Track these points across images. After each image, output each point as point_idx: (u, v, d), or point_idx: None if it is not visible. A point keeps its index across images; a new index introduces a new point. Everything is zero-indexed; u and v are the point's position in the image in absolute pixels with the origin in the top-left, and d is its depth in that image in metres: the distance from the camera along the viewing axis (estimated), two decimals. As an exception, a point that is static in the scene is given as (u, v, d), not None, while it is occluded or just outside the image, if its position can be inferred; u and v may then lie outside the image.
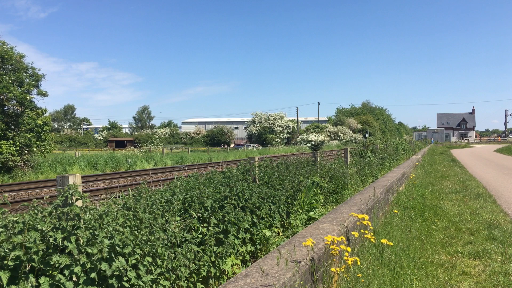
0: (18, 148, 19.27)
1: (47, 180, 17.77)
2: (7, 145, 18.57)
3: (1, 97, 18.88)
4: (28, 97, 19.58)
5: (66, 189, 2.90)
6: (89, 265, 2.66)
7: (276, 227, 5.82)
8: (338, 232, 4.79)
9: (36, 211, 2.73)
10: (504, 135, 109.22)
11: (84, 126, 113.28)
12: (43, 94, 20.78)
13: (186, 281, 3.60)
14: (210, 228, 4.14)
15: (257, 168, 6.38)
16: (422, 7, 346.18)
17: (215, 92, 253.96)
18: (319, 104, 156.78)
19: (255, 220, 5.04)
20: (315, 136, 57.80)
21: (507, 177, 16.08)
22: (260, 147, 63.24)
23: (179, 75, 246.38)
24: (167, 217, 3.77)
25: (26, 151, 20.28)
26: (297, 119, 79.23)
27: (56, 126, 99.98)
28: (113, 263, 2.78)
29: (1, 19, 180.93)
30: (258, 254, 5.10)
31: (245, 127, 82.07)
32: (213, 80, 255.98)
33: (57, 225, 2.70)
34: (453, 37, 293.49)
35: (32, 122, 20.18)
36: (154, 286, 3.07)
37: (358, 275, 3.95)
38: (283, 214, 6.05)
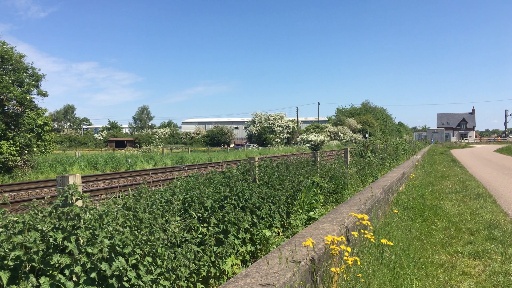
0: (18, 148, 19.26)
1: (47, 180, 17.77)
2: (7, 145, 18.56)
3: (1, 97, 18.88)
4: (28, 97, 19.57)
5: (66, 189, 2.90)
6: (89, 265, 2.66)
7: (276, 227, 5.82)
8: (338, 232, 4.80)
9: (36, 211, 2.73)
10: (504, 135, 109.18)
11: (84, 126, 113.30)
12: (43, 94, 20.78)
13: (186, 281, 3.60)
14: (210, 228, 4.14)
15: (257, 168, 6.38)
16: (422, 7, 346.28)
17: (215, 92, 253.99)
18: (319, 104, 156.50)
19: (255, 220, 5.04)
20: (315, 136, 57.76)
21: (507, 177, 16.08)
22: (260, 147, 63.22)
23: (179, 75, 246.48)
24: (167, 217, 3.77)
25: (26, 151, 20.28)
26: (297, 119, 79.23)
27: (56, 126, 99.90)
28: (113, 263, 2.78)
29: (1, 19, 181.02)
30: (258, 254, 5.11)
31: (245, 127, 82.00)
32: (213, 80, 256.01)
33: (57, 225, 2.70)
34: (453, 37, 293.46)
35: (32, 122, 20.17)
36: (154, 286, 3.07)
37: (358, 275, 3.95)
38: (283, 214, 6.05)
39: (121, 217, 3.21)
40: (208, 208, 4.36)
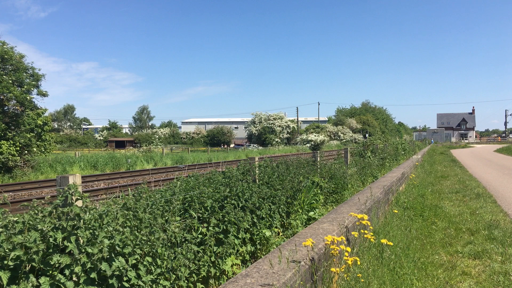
0: (18, 148, 19.27)
1: (47, 180, 17.77)
2: (7, 145, 18.56)
3: (1, 97, 18.88)
4: (28, 97, 19.58)
5: (66, 189, 2.91)
6: (89, 265, 2.66)
7: (276, 227, 5.82)
8: (338, 232, 4.80)
9: (36, 211, 2.73)
10: (504, 135, 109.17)
11: (84, 126, 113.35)
12: (43, 94, 20.79)
13: (186, 281, 3.61)
14: (210, 228, 4.14)
15: (257, 168, 6.38)
16: (422, 7, 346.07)
17: (215, 92, 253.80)
18: (319, 104, 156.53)
19: (255, 220, 5.04)
20: (315, 136, 57.77)
21: (507, 177, 16.08)
22: (260, 147, 63.22)
23: (179, 75, 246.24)
24: (167, 217, 3.77)
25: (26, 151, 20.28)
26: (297, 119, 79.22)
27: (56, 126, 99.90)
28: (113, 263, 2.78)
29: (1, 19, 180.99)
30: (258, 254, 5.11)
31: (245, 127, 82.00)
32: (213, 80, 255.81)
33: (57, 225, 2.70)
34: (453, 37, 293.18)
35: (32, 122, 20.18)
36: (154, 286, 3.08)
37: (358, 275, 3.95)
38: (283, 214, 6.05)
39: (121, 217, 3.21)
40: (208, 208, 4.36)
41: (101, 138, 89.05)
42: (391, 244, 4.84)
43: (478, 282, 4.76)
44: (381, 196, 7.96)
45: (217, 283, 4.09)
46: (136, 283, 2.90)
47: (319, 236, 4.53)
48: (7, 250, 2.42)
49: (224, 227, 4.28)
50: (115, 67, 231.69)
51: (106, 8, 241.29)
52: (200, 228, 4.11)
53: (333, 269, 3.85)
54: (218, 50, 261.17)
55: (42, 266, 2.55)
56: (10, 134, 19.00)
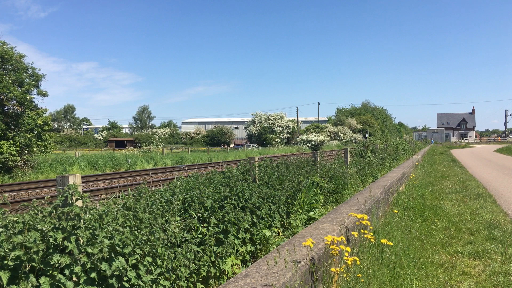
0: (18, 148, 19.26)
1: (47, 180, 17.76)
2: (7, 145, 18.56)
3: (1, 97, 18.88)
4: (28, 97, 19.57)
5: (66, 189, 2.91)
6: (89, 265, 2.66)
7: (276, 227, 5.82)
8: (338, 232, 4.80)
9: (36, 211, 2.73)
10: (504, 135, 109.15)
11: (84, 126, 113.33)
12: (43, 94, 20.78)
13: (186, 281, 3.61)
14: (210, 228, 4.14)
15: (257, 168, 6.38)
16: (422, 7, 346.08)
17: (215, 92, 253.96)
18: (319, 104, 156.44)
19: (255, 220, 5.04)
20: (315, 136, 57.76)
21: (507, 177, 16.07)
22: (260, 147, 63.21)
23: (179, 75, 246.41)
24: (167, 217, 3.78)
25: (26, 151, 20.28)
26: (297, 119, 79.20)
27: (56, 126, 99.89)
28: (113, 263, 2.78)
29: (1, 19, 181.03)
30: (258, 254, 5.11)
31: (245, 127, 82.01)
32: (213, 80, 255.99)
33: (57, 225, 2.70)
34: (453, 37, 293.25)
35: (32, 122, 20.17)
36: (154, 286, 3.08)
37: (358, 275, 3.95)
38: (283, 214, 6.05)
39: (121, 217, 3.21)
40: (208, 208, 4.36)
41: (101, 138, 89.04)
42: (391, 244, 4.84)
43: (478, 282, 4.76)
44: (381, 196, 7.96)
45: (217, 283, 4.09)
46: (136, 283, 2.90)
47: (319, 236, 4.53)
48: (7, 250, 2.42)
49: (224, 227, 4.28)
50: (115, 67, 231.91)
51: (106, 8, 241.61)
52: (200, 228, 4.11)
53: (333, 269, 3.85)
54: (218, 50, 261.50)
55: (42, 266, 2.55)
56: (10, 134, 18.99)
